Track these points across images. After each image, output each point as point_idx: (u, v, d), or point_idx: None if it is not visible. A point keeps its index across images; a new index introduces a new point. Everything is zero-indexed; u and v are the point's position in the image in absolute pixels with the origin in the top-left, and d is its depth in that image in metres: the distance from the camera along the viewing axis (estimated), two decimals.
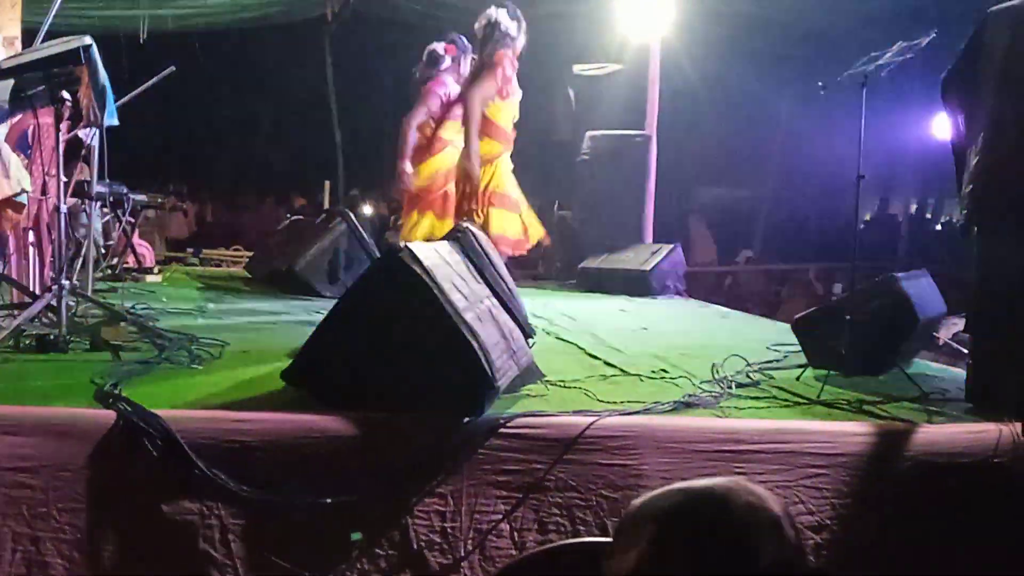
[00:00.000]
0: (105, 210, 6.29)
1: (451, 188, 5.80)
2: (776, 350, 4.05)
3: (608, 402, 2.89)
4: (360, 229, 6.04)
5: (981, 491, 2.62)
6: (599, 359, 3.76)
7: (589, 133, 7.60)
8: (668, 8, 7.56)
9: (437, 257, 2.85)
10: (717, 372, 3.42)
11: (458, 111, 5.74)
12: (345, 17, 10.73)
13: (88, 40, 3.55)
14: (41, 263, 4.48)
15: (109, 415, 2.44)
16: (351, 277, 5.45)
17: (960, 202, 3.18)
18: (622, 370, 3.53)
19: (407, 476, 2.46)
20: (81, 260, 4.58)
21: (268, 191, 14.37)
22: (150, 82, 5.60)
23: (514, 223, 5.46)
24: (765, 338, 4.49)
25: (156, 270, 6.71)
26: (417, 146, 6.05)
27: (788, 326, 4.02)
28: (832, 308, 3.89)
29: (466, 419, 2.53)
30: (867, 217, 13.26)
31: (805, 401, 3.09)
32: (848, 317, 3.40)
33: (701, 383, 3.29)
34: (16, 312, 3.65)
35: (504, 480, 2.51)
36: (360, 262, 5.69)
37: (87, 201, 5.51)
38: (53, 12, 4.56)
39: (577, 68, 8.29)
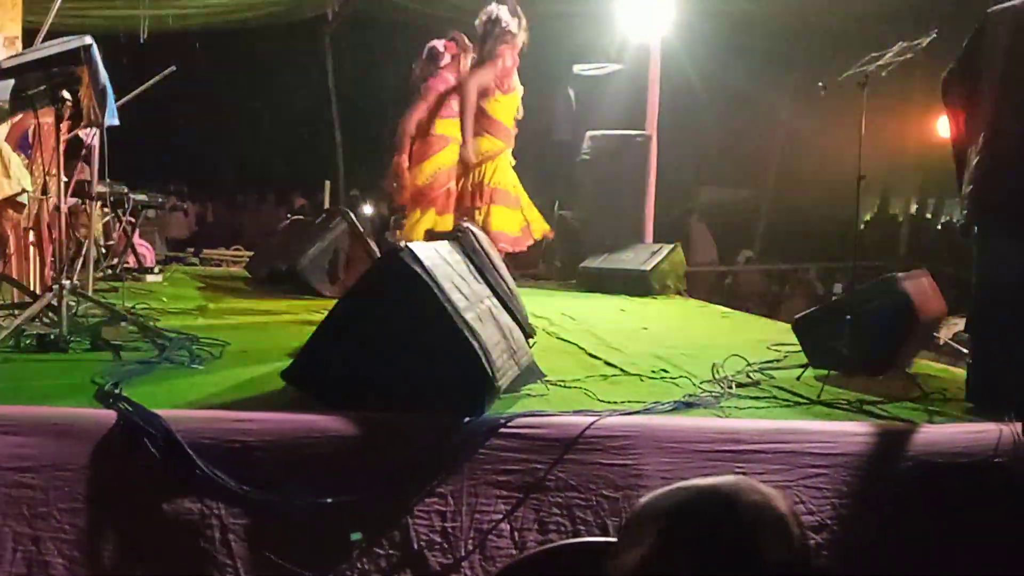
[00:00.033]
0: (106, 210, 6.29)
1: (453, 185, 5.81)
2: (776, 350, 4.05)
3: (608, 402, 2.89)
4: (361, 229, 6.04)
5: (981, 491, 2.62)
6: (599, 359, 3.76)
7: (589, 133, 7.59)
8: (668, 8, 7.55)
9: (437, 257, 2.85)
10: (717, 372, 3.42)
11: (456, 106, 5.74)
12: (346, 16, 10.74)
13: (89, 40, 3.56)
14: (42, 263, 4.48)
15: (110, 415, 2.44)
16: (351, 277, 5.45)
17: (960, 202, 3.18)
18: (622, 370, 3.53)
19: (407, 476, 2.46)
20: (82, 260, 4.58)
21: (268, 191, 14.37)
22: (151, 82, 5.61)
23: (515, 220, 5.47)
24: (765, 338, 4.49)
25: (156, 270, 6.71)
26: (418, 144, 6.05)
27: (788, 326, 4.02)
28: (832, 308, 3.89)
29: (466, 419, 2.53)
30: (867, 217, 13.25)
31: (805, 401, 3.09)
32: (848, 317, 3.40)
33: (701, 383, 3.29)
34: (17, 312, 3.65)
35: (504, 480, 2.51)
36: (360, 262, 5.69)
37: (88, 201, 5.51)
38: (54, 12, 4.57)
39: (577, 68, 8.29)
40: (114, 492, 2.38)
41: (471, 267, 3.20)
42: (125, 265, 6.33)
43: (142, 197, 6.53)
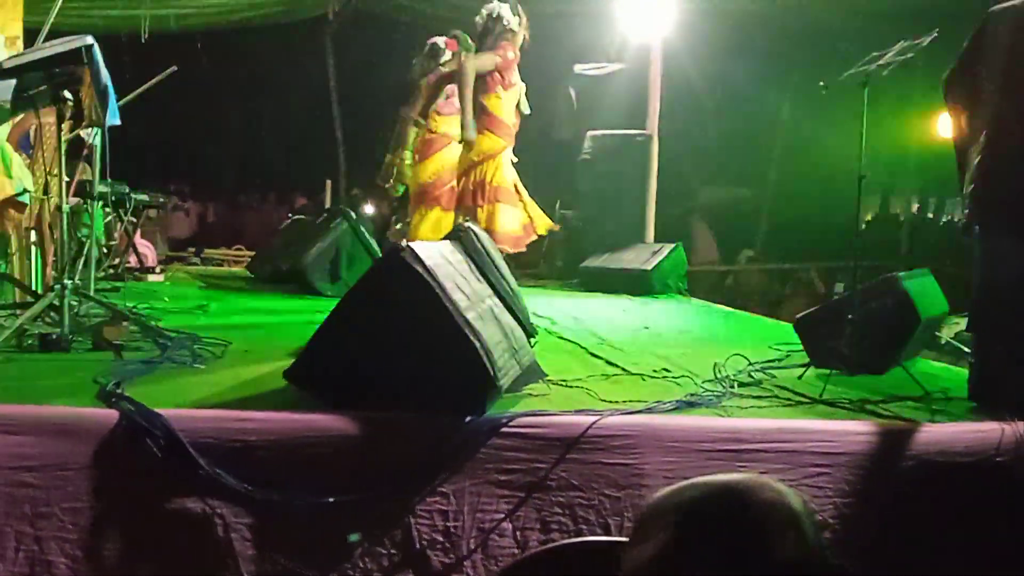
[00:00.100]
0: (107, 210, 6.30)
1: (455, 183, 5.82)
2: (778, 349, 4.05)
3: (610, 401, 2.88)
4: (362, 228, 6.05)
5: (983, 490, 2.61)
6: (601, 358, 3.75)
7: (590, 133, 7.60)
8: (669, 7, 7.56)
9: (439, 256, 2.85)
10: (719, 371, 3.41)
11: (457, 103, 5.74)
12: (346, 16, 10.74)
13: (90, 40, 3.56)
14: (43, 262, 4.48)
15: (112, 414, 2.44)
16: (353, 276, 5.45)
17: (961, 201, 3.18)
18: (624, 369, 3.53)
19: (409, 475, 2.46)
20: (83, 259, 4.58)
21: (270, 191, 14.38)
22: (152, 82, 5.61)
23: (517, 218, 5.47)
24: (767, 337, 4.49)
25: (158, 269, 6.72)
26: (421, 142, 6.06)
27: (790, 325, 4.02)
28: (834, 307, 3.89)
29: (468, 418, 2.53)
30: (869, 216, 13.24)
31: (807, 400, 3.09)
32: (850, 316, 3.40)
33: (703, 382, 3.29)
34: (19, 311, 3.65)
35: (506, 479, 2.50)
36: (362, 261, 5.69)
37: (89, 200, 5.51)
38: (55, 12, 4.57)
39: (578, 68, 8.29)
40: (116, 491, 2.38)
41: (472, 266, 3.20)
42: (127, 265, 6.35)
43: (143, 197, 6.54)
